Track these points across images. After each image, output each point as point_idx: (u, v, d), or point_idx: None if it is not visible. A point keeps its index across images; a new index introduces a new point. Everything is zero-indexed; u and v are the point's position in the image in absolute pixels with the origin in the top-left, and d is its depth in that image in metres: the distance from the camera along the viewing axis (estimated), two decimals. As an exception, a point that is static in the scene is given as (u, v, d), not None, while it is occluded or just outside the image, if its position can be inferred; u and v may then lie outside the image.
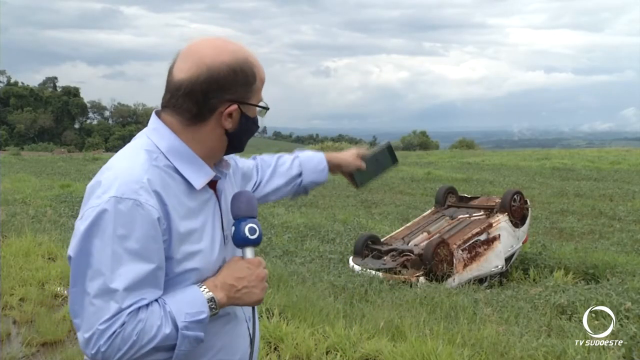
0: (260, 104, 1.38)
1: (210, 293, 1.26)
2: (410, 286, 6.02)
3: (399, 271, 6.65)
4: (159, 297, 1.24)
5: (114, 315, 1.17)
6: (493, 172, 21.77)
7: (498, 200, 8.16)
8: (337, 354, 3.77)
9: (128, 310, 1.18)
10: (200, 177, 1.33)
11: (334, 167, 1.83)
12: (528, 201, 8.36)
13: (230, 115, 1.33)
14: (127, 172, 1.24)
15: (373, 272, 6.51)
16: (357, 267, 6.80)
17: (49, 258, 6.52)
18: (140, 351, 1.19)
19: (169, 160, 1.31)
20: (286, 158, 1.79)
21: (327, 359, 3.76)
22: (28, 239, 7.19)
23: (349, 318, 4.43)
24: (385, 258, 7.12)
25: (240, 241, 1.34)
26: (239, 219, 1.35)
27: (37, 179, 17.75)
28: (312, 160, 1.79)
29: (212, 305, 1.26)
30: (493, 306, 5.23)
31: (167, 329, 1.20)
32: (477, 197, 8.97)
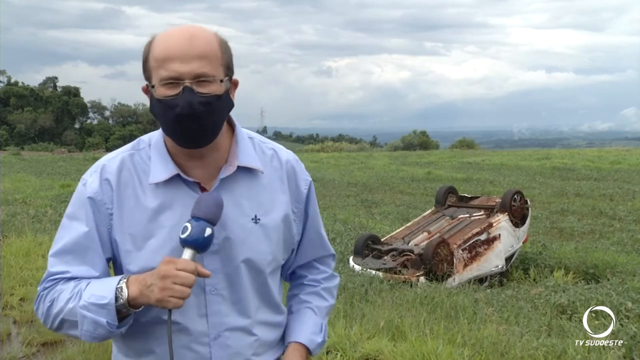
0: (154, 82, 1.25)
1: (123, 283, 1.22)
2: (411, 286, 6.01)
3: (399, 271, 6.65)
4: (82, 277, 1.28)
5: (44, 280, 1.30)
6: (493, 172, 21.76)
7: (498, 200, 8.16)
8: (337, 354, 3.77)
9: (52, 277, 1.29)
10: (159, 172, 1.30)
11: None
12: (528, 201, 8.37)
13: (149, 97, 1.29)
14: (103, 158, 1.39)
15: (373, 272, 6.51)
16: (357, 267, 6.79)
17: (49, 258, 6.51)
18: (56, 319, 1.27)
19: (150, 151, 1.35)
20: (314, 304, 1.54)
21: (327, 359, 3.76)
22: (28, 238, 7.19)
23: (349, 318, 4.42)
24: (385, 258, 7.12)
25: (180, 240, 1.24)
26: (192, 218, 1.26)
27: (37, 179, 17.74)
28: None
29: (119, 294, 1.21)
30: (493, 306, 5.23)
31: (71, 304, 1.24)
32: (477, 197, 8.97)
